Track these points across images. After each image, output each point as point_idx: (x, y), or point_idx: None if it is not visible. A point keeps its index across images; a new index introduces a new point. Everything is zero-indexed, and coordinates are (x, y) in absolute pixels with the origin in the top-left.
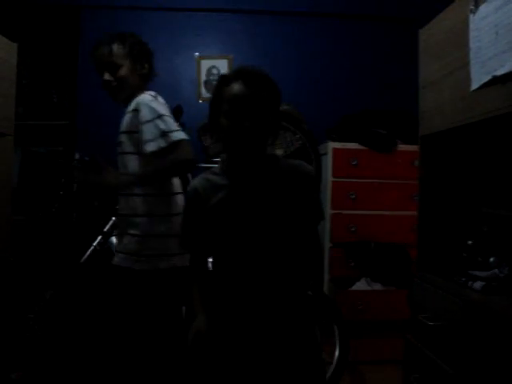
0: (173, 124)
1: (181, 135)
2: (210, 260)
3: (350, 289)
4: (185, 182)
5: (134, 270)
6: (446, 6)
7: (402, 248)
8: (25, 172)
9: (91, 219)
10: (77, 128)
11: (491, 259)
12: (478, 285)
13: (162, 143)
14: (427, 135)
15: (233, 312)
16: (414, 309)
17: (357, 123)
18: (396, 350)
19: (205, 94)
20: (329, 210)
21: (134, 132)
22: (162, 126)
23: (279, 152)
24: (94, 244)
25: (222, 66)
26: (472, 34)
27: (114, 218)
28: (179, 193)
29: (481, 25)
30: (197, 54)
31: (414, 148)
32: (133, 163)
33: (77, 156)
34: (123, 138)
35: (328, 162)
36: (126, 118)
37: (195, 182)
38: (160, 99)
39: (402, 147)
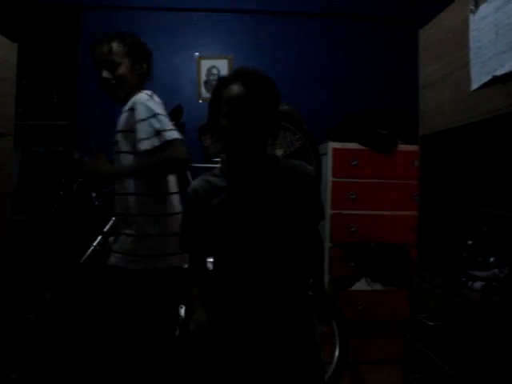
0: (167, 123)
1: (174, 134)
2: (210, 260)
3: (350, 289)
4: (184, 183)
5: (130, 270)
6: (446, 5)
7: (401, 248)
8: (25, 172)
9: (91, 219)
10: (77, 128)
11: (491, 259)
12: (477, 285)
13: (156, 142)
14: (427, 135)
15: (233, 312)
16: (413, 309)
17: (357, 123)
18: (396, 349)
19: (205, 93)
20: (329, 210)
21: (130, 131)
22: (157, 124)
23: (279, 152)
24: (94, 244)
25: (222, 66)
26: (472, 34)
27: (113, 218)
28: (175, 193)
29: (481, 25)
30: (197, 53)
31: (414, 148)
32: (128, 162)
33: (77, 156)
34: (119, 136)
35: (328, 162)
36: (123, 117)
37: (195, 183)
38: (156, 98)
39: (401, 147)
